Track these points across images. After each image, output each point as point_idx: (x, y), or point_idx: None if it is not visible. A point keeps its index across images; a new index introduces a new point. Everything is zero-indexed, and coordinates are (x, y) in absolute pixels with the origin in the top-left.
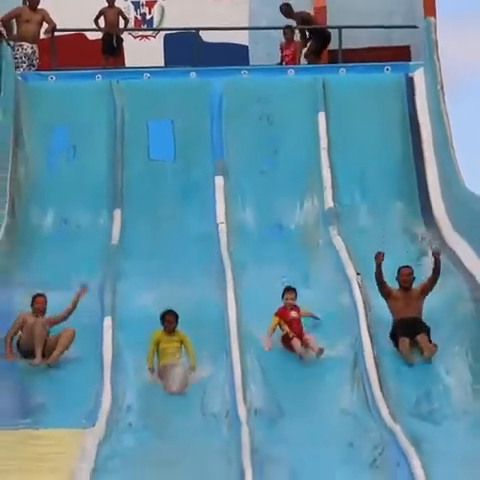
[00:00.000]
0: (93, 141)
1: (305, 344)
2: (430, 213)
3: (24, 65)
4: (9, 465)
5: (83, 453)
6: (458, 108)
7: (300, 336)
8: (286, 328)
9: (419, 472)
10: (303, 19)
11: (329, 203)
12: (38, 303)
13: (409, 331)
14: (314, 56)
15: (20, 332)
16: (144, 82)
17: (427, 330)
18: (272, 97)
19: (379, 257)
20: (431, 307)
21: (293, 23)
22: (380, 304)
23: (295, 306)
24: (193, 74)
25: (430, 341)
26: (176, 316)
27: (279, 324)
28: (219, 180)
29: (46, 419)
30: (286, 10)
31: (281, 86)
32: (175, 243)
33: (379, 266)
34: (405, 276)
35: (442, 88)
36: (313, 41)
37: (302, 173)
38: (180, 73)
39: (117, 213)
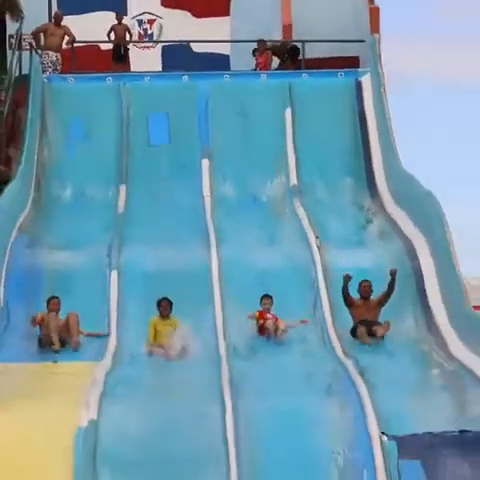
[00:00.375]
0: (104, 130)
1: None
2: (375, 188)
3: (50, 69)
4: (31, 391)
5: (93, 381)
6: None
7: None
8: (261, 321)
9: (366, 399)
10: (279, 46)
11: (293, 181)
12: (53, 304)
13: (367, 326)
14: (291, 64)
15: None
16: (145, 84)
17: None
18: (248, 96)
19: (347, 278)
20: (376, 267)
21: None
22: (334, 260)
23: (273, 314)
24: (185, 77)
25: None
26: (170, 303)
27: (257, 319)
28: (205, 162)
29: (63, 354)
30: (262, 46)
31: (255, 88)
32: (169, 212)
33: (346, 284)
34: (365, 288)
35: (384, 90)
36: (289, 58)
37: (272, 157)
38: (174, 77)
39: (122, 188)
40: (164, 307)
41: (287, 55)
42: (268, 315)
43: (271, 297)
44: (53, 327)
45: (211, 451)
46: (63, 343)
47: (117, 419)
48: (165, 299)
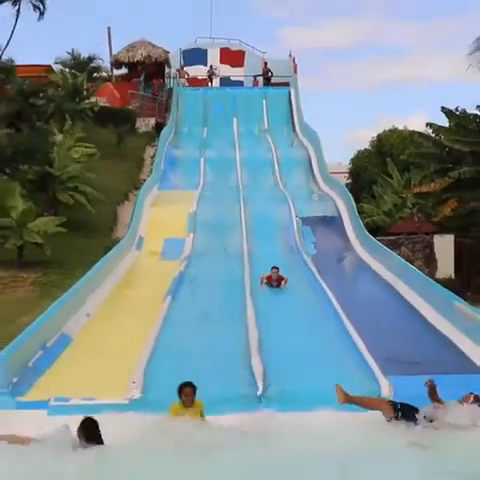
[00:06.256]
0: (198, 107)
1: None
2: (295, 130)
3: (181, 85)
4: (173, 200)
5: (194, 196)
6: (305, 99)
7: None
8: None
9: (289, 200)
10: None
11: (265, 126)
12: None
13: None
14: (266, 83)
15: None
16: (213, 91)
17: None
18: (250, 95)
19: (431, 386)
20: (296, 158)
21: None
22: (281, 153)
23: (279, 276)
24: (227, 89)
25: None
26: (194, 388)
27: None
28: (235, 119)
29: None
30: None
31: (253, 93)
32: (222, 137)
33: (432, 392)
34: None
35: (297, 94)
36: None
37: (257, 117)
38: (224, 89)
39: (205, 129)
40: (187, 395)
41: (266, 80)
42: (273, 276)
43: (278, 268)
44: None
45: (234, 220)
46: None
47: (205, 211)
48: (188, 384)
